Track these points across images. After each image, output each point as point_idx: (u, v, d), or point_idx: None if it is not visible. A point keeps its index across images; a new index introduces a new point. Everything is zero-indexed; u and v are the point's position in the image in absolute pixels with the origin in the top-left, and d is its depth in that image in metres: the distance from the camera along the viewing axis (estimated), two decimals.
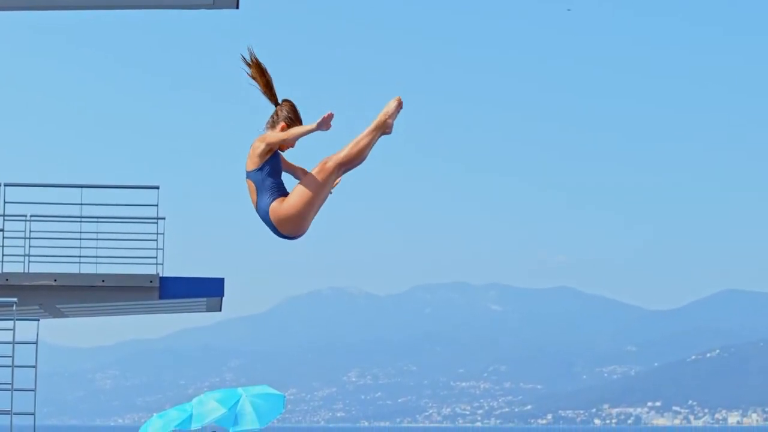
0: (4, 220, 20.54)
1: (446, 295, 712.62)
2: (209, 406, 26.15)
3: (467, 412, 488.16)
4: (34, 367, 17.68)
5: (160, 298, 18.85)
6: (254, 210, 7.68)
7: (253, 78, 7.77)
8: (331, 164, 7.75)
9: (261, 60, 7.77)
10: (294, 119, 7.82)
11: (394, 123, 7.74)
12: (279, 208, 7.67)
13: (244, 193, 7.80)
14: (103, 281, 19.60)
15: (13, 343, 17.30)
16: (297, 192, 7.66)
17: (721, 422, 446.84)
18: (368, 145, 7.71)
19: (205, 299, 19.56)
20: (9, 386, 17.31)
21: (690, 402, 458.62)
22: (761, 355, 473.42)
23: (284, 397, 27.13)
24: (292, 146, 7.86)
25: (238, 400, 26.27)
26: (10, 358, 17.36)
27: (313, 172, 7.75)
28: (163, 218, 20.09)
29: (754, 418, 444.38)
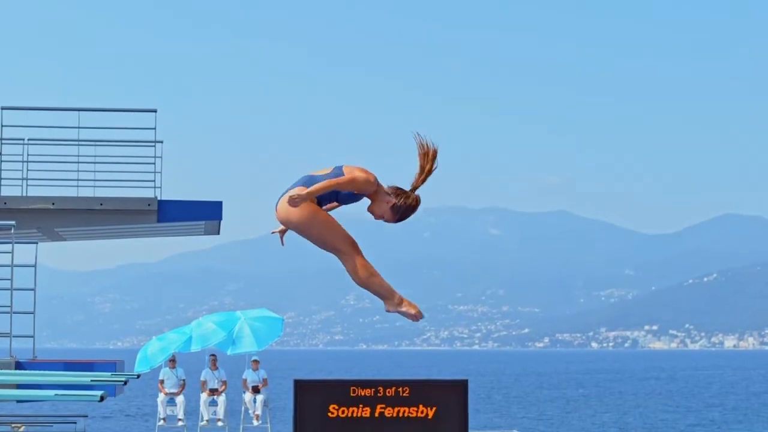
0: (1, 143, 20.50)
1: (445, 218, 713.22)
2: (208, 329, 26.26)
3: (465, 336, 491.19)
4: (33, 290, 17.74)
5: (159, 221, 18.85)
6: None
7: (422, 159, 7.72)
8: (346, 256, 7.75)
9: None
10: (401, 212, 7.78)
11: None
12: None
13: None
14: (101, 204, 19.59)
15: (12, 266, 17.34)
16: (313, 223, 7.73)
17: (717, 346, 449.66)
18: (373, 287, 7.67)
19: (203, 222, 19.57)
20: (8, 309, 17.38)
21: (687, 326, 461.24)
22: (758, 279, 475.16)
23: (282, 320, 27.24)
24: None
25: (236, 323, 26.38)
26: (9, 281, 17.41)
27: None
28: (161, 142, 20.05)
29: (750, 342, 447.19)
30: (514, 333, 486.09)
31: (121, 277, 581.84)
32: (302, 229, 7.53)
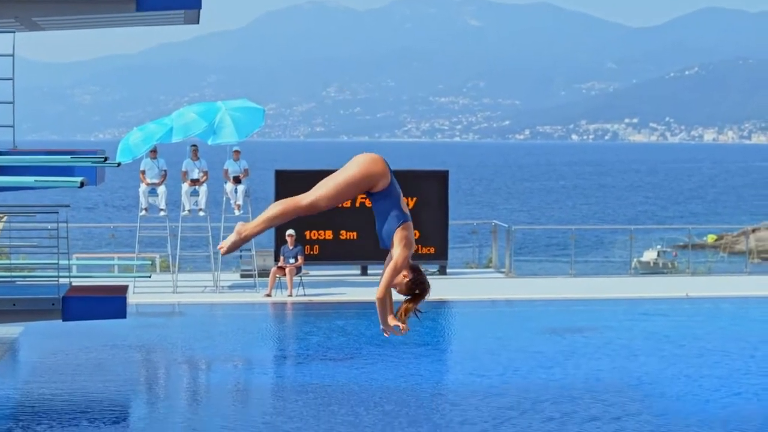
0: None
1: (425, 10, 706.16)
2: (189, 120, 26.19)
3: (446, 127, 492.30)
4: (11, 79, 17.60)
5: (137, 9, 18.55)
6: None
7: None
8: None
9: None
10: (413, 292, 7.57)
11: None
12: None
13: None
14: None
15: None
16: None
17: (697, 139, 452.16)
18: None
19: (182, 11, 19.27)
20: None
21: (667, 119, 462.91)
22: (739, 73, 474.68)
23: (263, 110, 27.16)
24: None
25: (217, 114, 26.32)
26: None
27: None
28: None
29: (729, 136, 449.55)
30: (494, 125, 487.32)
31: (101, 69, 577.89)
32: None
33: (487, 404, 16.15)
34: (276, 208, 7.41)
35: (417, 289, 7.52)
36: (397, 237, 7.37)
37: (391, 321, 7.53)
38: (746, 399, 16.64)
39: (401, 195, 7.46)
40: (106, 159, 12.73)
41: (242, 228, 7.36)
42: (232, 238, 7.35)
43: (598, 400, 16.41)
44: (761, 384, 17.57)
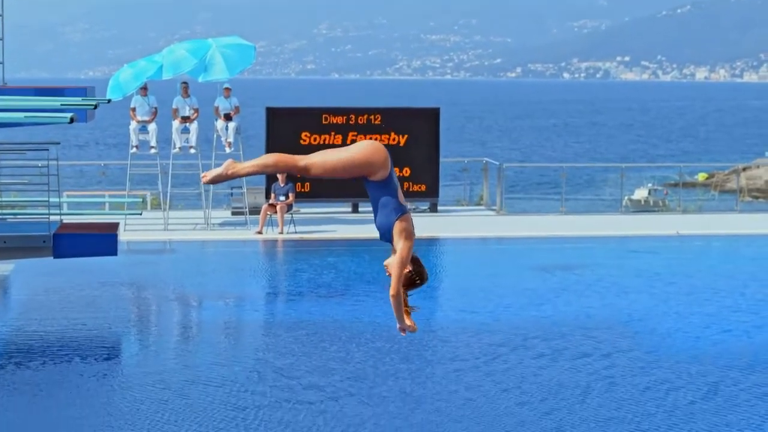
0: None
1: None
2: (179, 56, 26.06)
3: (437, 65, 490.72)
4: (0, 16, 17.49)
5: None
6: None
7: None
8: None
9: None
10: (409, 283, 7.57)
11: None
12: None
13: None
14: None
15: None
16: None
17: (688, 77, 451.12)
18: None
19: None
20: None
21: (659, 57, 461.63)
22: (732, 11, 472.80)
23: (254, 47, 27.03)
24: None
25: (208, 51, 26.19)
26: None
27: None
28: None
29: (721, 74, 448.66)
30: (486, 63, 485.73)
31: (91, 7, 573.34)
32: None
33: (478, 341, 16.22)
34: (271, 158, 7.41)
35: (417, 279, 7.57)
36: (397, 230, 7.38)
37: (408, 320, 7.57)
38: (736, 336, 16.72)
39: (399, 187, 7.46)
40: (96, 106, 12.64)
41: (232, 165, 7.33)
42: (218, 170, 7.33)
43: (588, 337, 16.48)
44: (751, 321, 17.66)
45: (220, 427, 12.43)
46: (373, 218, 7.46)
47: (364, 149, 7.35)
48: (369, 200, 7.56)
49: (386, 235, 7.43)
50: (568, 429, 12.37)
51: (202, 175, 7.41)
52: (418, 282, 7.59)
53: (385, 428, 12.41)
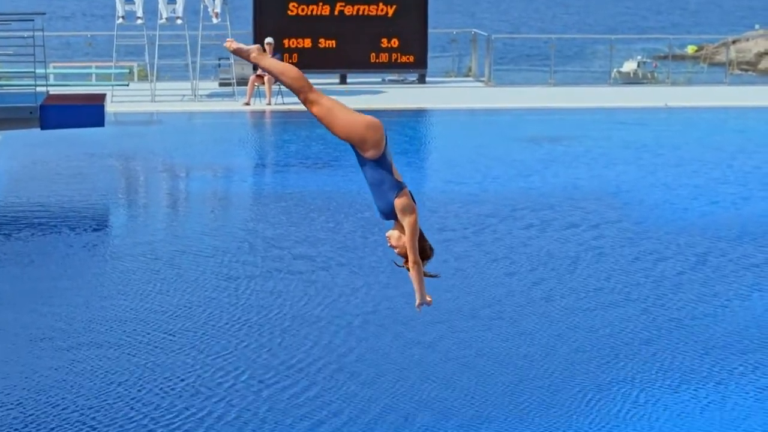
0: None
1: None
2: None
3: None
4: None
5: None
6: None
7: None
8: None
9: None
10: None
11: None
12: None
13: None
14: None
15: None
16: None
17: None
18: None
19: None
20: None
21: None
22: None
23: None
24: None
25: None
26: None
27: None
28: None
29: None
30: None
31: None
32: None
33: (466, 211, 16.26)
34: (293, 71, 7.37)
35: (425, 252, 7.62)
36: (399, 208, 7.41)
37: (427, 296, 7.60)
38: (723, 207, 16.79)
39: (393, 164, 7.43)
40: None
41: (259, 54, 7.30)
42: (246, 47, 7.28)
43: (577, 207, 16.53)
44: (738, 193, 17.71)
45: (212, 296, 12.51)
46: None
47: (365, 125, 7.35)
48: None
49: (389, 215, 7.48)
50: (557, 299, 12.47)
51: (228, 39, 7.35)
52: (429, 253, 7.65)
53: (377, 297, 12.49)
